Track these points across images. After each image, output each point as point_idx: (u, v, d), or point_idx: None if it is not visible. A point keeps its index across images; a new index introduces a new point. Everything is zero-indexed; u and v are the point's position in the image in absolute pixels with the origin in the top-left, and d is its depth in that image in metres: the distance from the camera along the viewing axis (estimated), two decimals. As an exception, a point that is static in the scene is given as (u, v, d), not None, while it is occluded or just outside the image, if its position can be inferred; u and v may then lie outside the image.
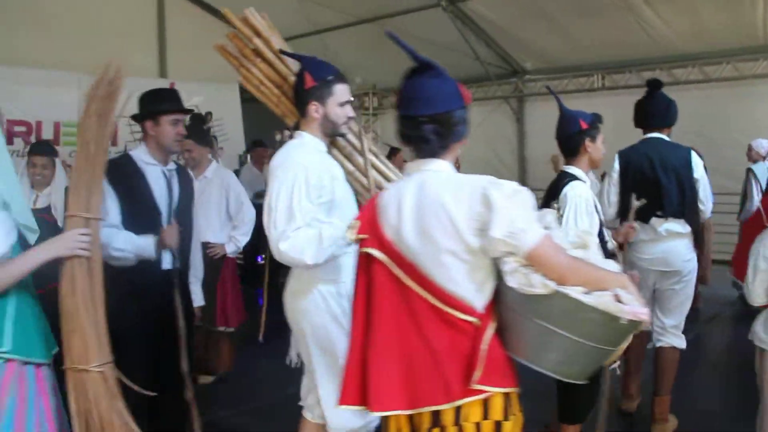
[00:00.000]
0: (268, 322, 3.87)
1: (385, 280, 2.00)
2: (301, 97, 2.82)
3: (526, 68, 9.68)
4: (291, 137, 2.99)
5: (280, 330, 3.13)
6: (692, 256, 3.99)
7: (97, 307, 2.40)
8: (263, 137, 9.01)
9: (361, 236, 2.06)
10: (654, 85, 4.05)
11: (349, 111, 2.85)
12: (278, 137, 8.02)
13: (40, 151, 4.82)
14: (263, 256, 6.45)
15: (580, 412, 3.30)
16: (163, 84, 9.00)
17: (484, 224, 1.84)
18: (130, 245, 3.02)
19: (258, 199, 7.55)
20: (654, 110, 4.01)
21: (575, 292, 1.84)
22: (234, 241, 4.99)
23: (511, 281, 1.86)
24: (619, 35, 7.98)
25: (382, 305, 2.00)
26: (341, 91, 2.81)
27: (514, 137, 10.07)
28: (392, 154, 9.49)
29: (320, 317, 2.71)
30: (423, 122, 1.99)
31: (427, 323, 1.93)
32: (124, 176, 3.13)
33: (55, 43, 8.08)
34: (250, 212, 5.06)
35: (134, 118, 3.37)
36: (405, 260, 1.97)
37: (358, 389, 2.01)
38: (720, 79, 8.01)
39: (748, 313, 3.55)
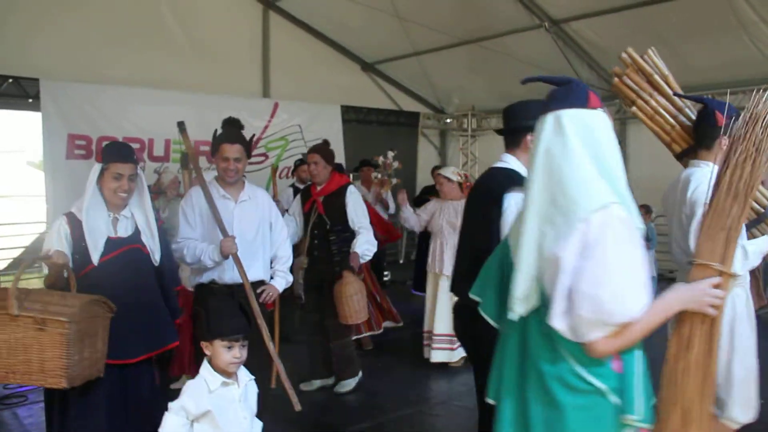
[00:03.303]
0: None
1: None
2: (711, 131, 3.13)
3: (630, 90, 9.42)
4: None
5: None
6: None
7: (706, 380, 1.93)
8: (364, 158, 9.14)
9: None
10: None
11: None
12: (380, 160, 8.08)
13: (126, 156, 3.28)
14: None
15: None
16: (266, 104, 9.31)
17: None
18: None
19: None
20: None
21: None
22: (283, 276, 4.23)
23: None
24: (731, 55, 7.66)
25: None
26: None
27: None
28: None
29: (742, 322, 3.02)
30: None
31: None
32: None
33: (167, 64, 8.52)
34: (289, 244, 4.46)
35: (515, 130, 3.07)
36: None
37: None
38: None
39: None
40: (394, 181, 8.18)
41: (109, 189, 3.23)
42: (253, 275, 3.96)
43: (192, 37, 8.81)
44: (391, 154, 7.99)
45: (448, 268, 5.84)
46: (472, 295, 2.27)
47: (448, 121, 11.86)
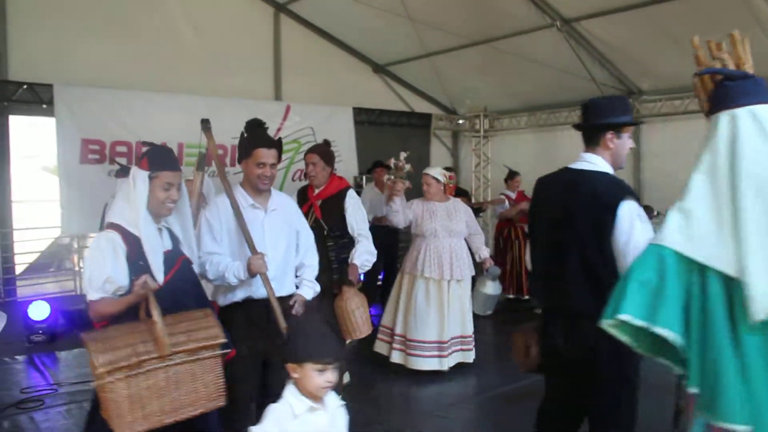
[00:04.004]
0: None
1: None
2: None
3: (642, 88, 9.37)
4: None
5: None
6: None
7: None
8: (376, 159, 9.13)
9: None
10: None
11: None
12: (392, 162, 8.04)
13: (175, 164, 3.16)
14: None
15: None
16: (278, 107, 9.33)
17: None
18: None
19: (378, 223, 7.54)
20: None
21: None
22: (311, 286, 3.95)
23: None
24: (745, 52, 7.59)
25: None
26: None
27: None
28: (510, 177, 9.39)
29: None
30: None
31: None
32: None
33: (178, 67, 8.59)
34: (316, 251, 4.16)
35: (595, 127, 3.08)
36: None
37: None
38: None
39: None
40: (407, 183, 8.13)
41: (158, 200, 3.01)
42: (286, 290, 3.75)
43: (203, 41, 8.85)
44: (403, 155, 7.94)
45: (447, 273, 5.81)
46: (629, 316, 1.99)
47: (461, 122, 11.83)
